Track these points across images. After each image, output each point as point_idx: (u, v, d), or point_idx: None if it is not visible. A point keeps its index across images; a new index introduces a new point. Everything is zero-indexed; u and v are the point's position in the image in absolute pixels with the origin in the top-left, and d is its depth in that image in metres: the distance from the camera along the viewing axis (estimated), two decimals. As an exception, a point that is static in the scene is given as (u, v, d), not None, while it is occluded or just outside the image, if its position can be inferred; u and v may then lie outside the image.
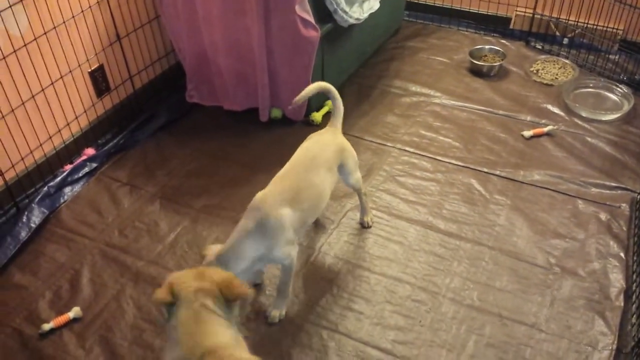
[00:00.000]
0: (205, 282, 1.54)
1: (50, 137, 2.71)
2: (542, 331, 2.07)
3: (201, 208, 2.60)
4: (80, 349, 2.07)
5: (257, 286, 2.25)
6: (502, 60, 3.41)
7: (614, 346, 2.02)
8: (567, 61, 3.40)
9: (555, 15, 3.53)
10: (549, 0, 3.51)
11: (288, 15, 2.63)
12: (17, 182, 2.59)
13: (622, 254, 2.33)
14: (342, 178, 2.27)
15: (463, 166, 2.77)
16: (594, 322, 2.10)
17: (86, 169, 2.79)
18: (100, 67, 2.88)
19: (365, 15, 3.01)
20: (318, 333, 2.09)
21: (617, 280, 2.23)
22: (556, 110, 3.09)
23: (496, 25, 3.72)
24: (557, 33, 3.56)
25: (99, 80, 2.89)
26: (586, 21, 3.43)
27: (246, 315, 2.15)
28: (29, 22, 2.47)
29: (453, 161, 2.80)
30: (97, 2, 2.77)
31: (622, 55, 3.39)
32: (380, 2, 3.11)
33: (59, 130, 2.75)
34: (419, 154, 2.85)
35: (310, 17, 2.67)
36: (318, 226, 2.49)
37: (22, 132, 2.56)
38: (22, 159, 2.59)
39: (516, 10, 3.65)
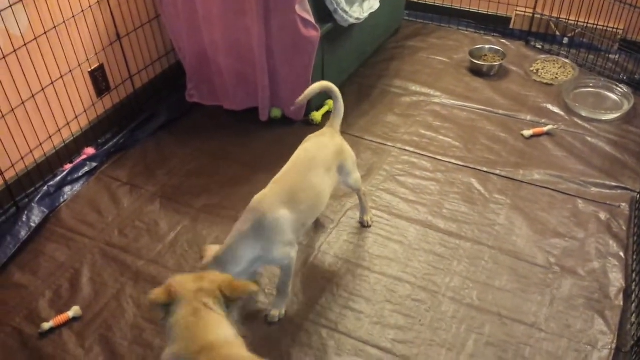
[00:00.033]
0: (205, 283, 1.56)
1: (50, 137, 2.71)
2: (541, 330, 2.07)
3: (201, 207, 2.60)
4: (80, 348, 2.07)
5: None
6: (502, 59, 3.41)
7: (614, 345, 2.02)
8: (567, 61, 3.40)
9: (555, 14, 3.53)
10: (549, 0, 3.51)
11: (288, 15, 2.63)
12: (17, 182, 2.59)
13: (621, 254, 2.33)
14: (341, 179, 2.27)
15: (463, 166, 2.77)
16: (594, 321, 2.10)
17: (86, 169, 2.79)
18: (101, 67, 2.88)
19: (366, 14, 3.01)
20: (318, 332, 2.09)
21: (616, 279, 2.24)
22: (556, 109, 3.09)
23: (496, 25, 3.72)
24: (557, 33, 3.56)
25: (99, 80, 2.89)
26: (586, 21, 3.43)
27: (246, 314, 2.15)
28: (29, 22, 2.47)
29: (453, 161, 2.80)
30: (97, 1, 2.77)
31: (622, 54, 3.39)
32: (380, 1, 3.11)
33: (59, 130, 2.75)
34: (419, 154, 2.85)
35: (310, 17, 2.67)
36: (318, 225, 2.49)
37: (22, 132, 2.57)
38: (22, 158, 2.59)
39: (516, 10, 3.65)
